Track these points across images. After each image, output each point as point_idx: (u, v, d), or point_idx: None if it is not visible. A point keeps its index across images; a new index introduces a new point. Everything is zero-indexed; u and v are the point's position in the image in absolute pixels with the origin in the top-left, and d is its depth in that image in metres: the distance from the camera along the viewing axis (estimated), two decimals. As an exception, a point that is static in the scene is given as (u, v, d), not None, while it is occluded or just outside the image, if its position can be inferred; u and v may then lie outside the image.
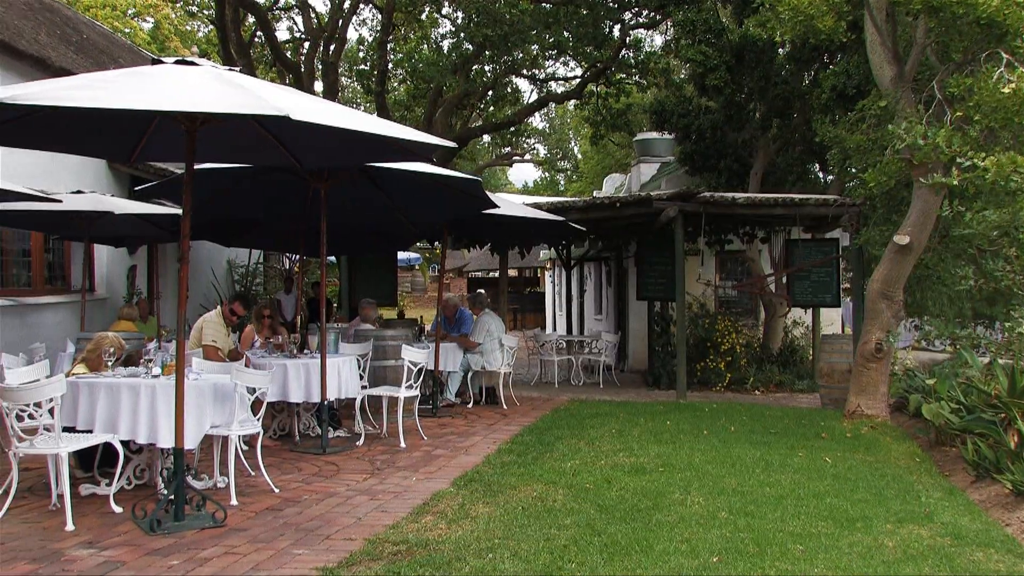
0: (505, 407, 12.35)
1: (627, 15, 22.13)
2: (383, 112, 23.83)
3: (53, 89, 5.44)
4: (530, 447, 9.26)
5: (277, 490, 7.33)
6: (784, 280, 15.43)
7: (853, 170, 14.25)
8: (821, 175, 18.72)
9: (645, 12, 21.79)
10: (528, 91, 33.97)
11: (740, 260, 17.83)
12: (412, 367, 9.78)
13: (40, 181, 11.81)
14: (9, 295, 12.87)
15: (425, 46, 27.19)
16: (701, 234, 14.64)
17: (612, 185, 28.11)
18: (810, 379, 14.78)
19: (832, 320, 18.16)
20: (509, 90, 27.92)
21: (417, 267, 48.15)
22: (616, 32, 22.67)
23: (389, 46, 25.55)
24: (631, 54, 23.44)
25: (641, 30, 24.50)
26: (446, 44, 25.46)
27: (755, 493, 7.29)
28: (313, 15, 25.94)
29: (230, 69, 6.34)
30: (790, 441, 9.75)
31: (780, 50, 16.49)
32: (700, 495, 7.17)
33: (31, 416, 6.44)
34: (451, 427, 10.77)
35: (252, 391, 7.32)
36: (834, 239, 15.27)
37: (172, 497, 6.29)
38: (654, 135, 22.41)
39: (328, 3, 26.24)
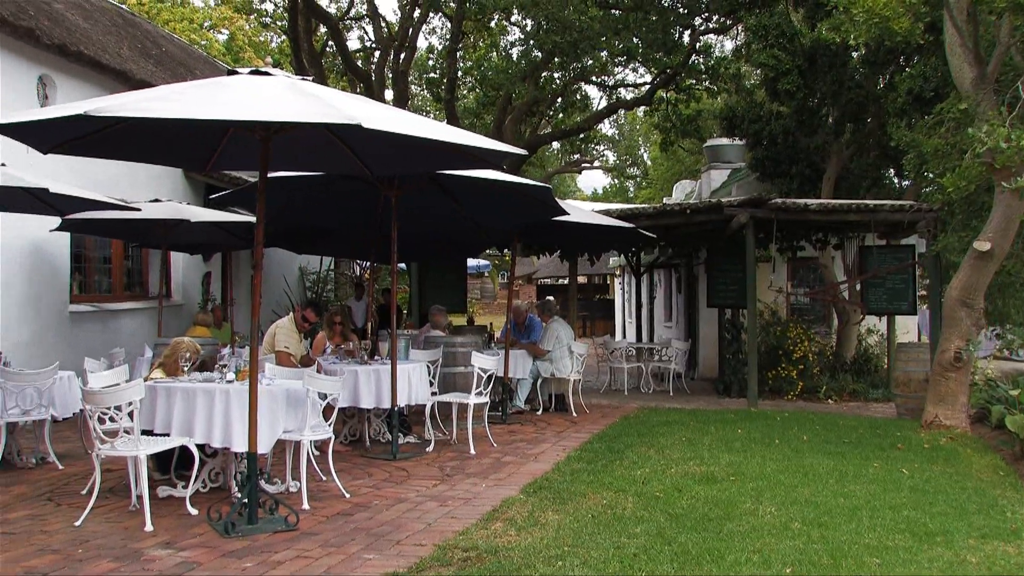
0: (574, 414, 12.33)
1: (697, 20, 21.97)
2: (453, 120, 23.98)
3: (135, 101, 5.58)
4: (600, 455, 9.23)
5: (348, 495, 7.41)
6: (858, 287, 15.15)
7: (930, 175, 13.91)
8: (896, 180, 18.33)
9: (716, 17, 21.62)
10: (597, 98, 33.82)
11: (812, 267, 17.55)
12: (482, 374, 9.81)
13: (120, 190, 12.13)
14: (91, 301, 13.24)
15: (494, 54, 27.29)
16: (772, 240, 14.45)
17: (682, 191, 27.91)
18: (885, 388, 14.47)
19: (908, 328, 17.77)
20: (578, 97, 27.89)
21: (486, 274, 48.27)
22: (686, 38, 22.52)
23: (459, 54, 25.71)
24: (701, 60, 23.26)
25: (711, 35, 24.30)
26: (515, 51, 25.54)
27: (829, 504, 7.15)
28: (383, 24, 26.21)
29: (303, 78, 6.44)
30: (865, 451, 9.56)
31: (854, 53, 16.20)
32: (772, 505, 7.07)
33: (112, 419, 6.62)
34: (520, 434, 10.78)
35: (324, 397, 7.41)
36: (910, 245, 14.96)
37: (246, 500, 6.40)
38: (724, 141, 22.19)
39: (398, 12, 26.49)
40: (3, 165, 8.32)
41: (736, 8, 18.65)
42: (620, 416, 12.26)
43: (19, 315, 11.47)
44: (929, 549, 5.95)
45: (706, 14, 21.57)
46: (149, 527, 6.31)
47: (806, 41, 16.00)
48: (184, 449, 7.04)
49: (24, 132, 6.32)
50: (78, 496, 7.34)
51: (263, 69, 6.37)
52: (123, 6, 21.60)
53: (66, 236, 12.23)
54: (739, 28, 22.06)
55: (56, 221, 10.94)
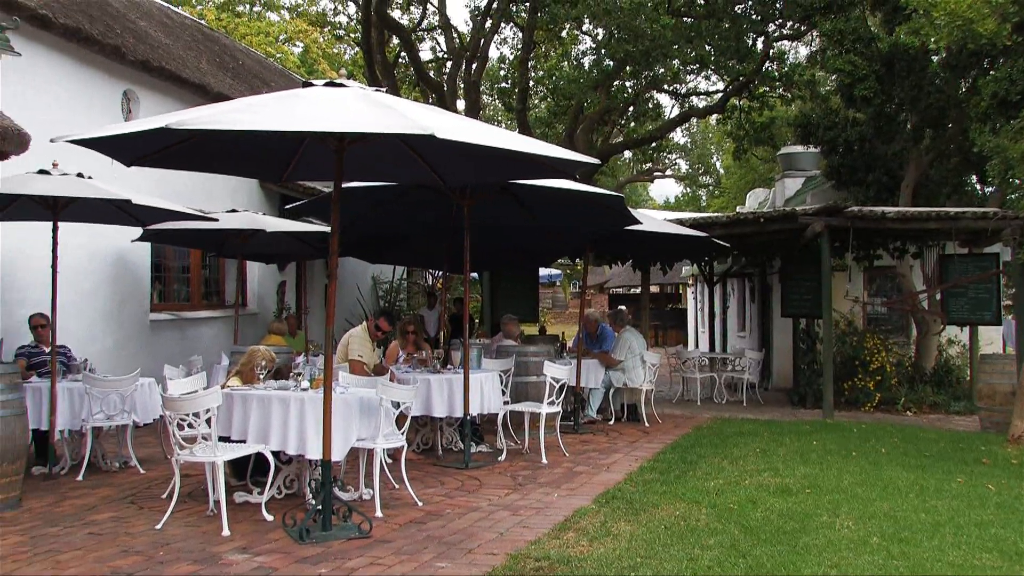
0: (647, 424, 12.25)
1: (771, 27, 21.71)
2: (524, 129, 24.03)
3: (214, 114, 5.71)
4: (672, 465, 9.15)
5: (420, 503, 7.45)
6: (938, 297, 14.80)
7: (1016, 181, 13.57)
8: (978, 187, 17.90)
9: (790, 23, 21.34)
10: (669, 106, 33.61)
11: (890, 276, 17.20)
12: (554, 383, 9.80)
13: (198, 201, 12.39)
14: (170, 310, 13.54)
15: (566, 63, 27.29)
16: (848, 249, 14.20)
17: (755, 200, 27.59)
18: (967, 400, 14.10)
19: (991, 339, 17.30)
20: (650, 106, 27.74)
21: (558, 283, 48.31)
22: (759, 45, 22.27)
23: (530, 64, 25.76)
24: (775, 67, 22.98)
25: (785, 42, 24.02)
26: (587, 61, 25.51)
27: (909, 519, 6.98)
28: (455, 35, 26.40)
29: (376, 89, 6.52)
30: (947, 465, 9.31)
31: (934, 57, 15.86)
32: (850, 519, 6.93)
33: (190, 425, 6.76)
34: (593, 444, 10.75)
35: (397, 405, 7.47)
36: (993, 254, 14.55)
37: (320, 507, 6.48)
38: (799, 149, 21.89)
39: (470, 23, 26.64)
40: (90, 178, 8.55)
41: (811, 13, 18.40)
42: (693, 426, 12.16)
43: (103, 323, 11.79)
44: (1020, 570, 5.76)
45: (780, 20, 21.30)
46: (226, 532, 6.43)
47: (884, 46, 15.73)
48: (260, 456, 7.15)
49: (109, 146, 6.50)
50: (159, 500, 7.51)
51: (338, 81, 6.46)
52: (202, 21, 22.12)
53: (147, 246, 12.53)
54: (814, 34, 21.76)
55: (138, 232, 11.22)
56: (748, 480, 8.36)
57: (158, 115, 6.59)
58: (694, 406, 14.81)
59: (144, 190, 9.81)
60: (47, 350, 9.10)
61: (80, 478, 8.49)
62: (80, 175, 8.53)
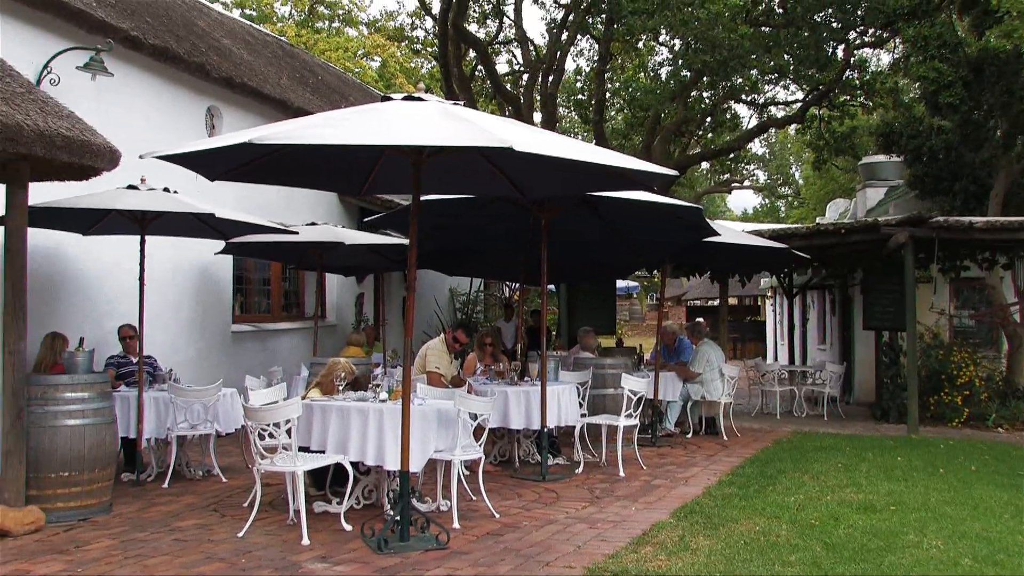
0: (725, 438, 12.10)
1: (852, 35, 21.36)
2: (601, 141, 23.99)
3: (295, 129, 5.80)
4: (752, 479, 9.02)
5: (498, 515, 7.45)
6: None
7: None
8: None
9: (871, 30, 20.97)
10: (747, 116, 33.38)
11: (978, 287, 16.73)
12: (632, 396, 9.73)
13: (279, 214, 12.61)
14: (251, 321, 13.79)
15: (642, 74, 27.20)
16: (934, 260, 13.85)
17: (836, 211, 27.12)
18: (1065, 417, 13.62)
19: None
20: (728, 116, 27.48)
21: (635, 295, 48.06)
22: (840, 53, 21.90)
23: (606, 75, 25.73)
24: (856, 75, 22.56)
25: (867, 49, 23.57)
26: (664, 72, 25.38)
27: (1004, 540, 6.74)
28: (531, 48, 26.49)
29: (454, 103, 6.56)
30: (1043, 484, 9.01)
31: (1027, 61, 15.40)
32: (938, 538, 6.73)
33: (271, 435, 6.86)
34: (670, 457, 10.65)
35: (474, 417, 7.49)
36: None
37: (398, 518, 6.51)
38: (881, 158, 21.46)
39: (546, 36, 26.72)
40: (176, 192, 8.76)
41: (893, 20, 18.05)
42: (772, 440, 11.97)
43: (187, 334, 12.05)
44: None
45: (861, 27, 20.94)
46: (306, 541, 6.50)
47: (972, 51, 15.33)
48: (339, 466, 7.22)
49: (194, 161, 6.66)
50: (240, 508, 7.64)
51: (416, 95, 6.52)
52: (283, 38, 22.54)
53: (229, 259, 12.78)
54: (897, 40, 21.32)
55: (221, 244, 11.45)
56: (830, 496, 8.20)
57: (241, 130, 6.74)
58: (773, 419, 14.58)
59: (227, 204, 10.03)
60: (135, 360, 9.33)
61: (166, 485, 8.69)
62: (166, 190, 8.75)
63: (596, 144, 21.63)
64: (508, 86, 26.88)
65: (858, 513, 7.51)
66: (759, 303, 40.64)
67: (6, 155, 6.74)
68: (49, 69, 9.61)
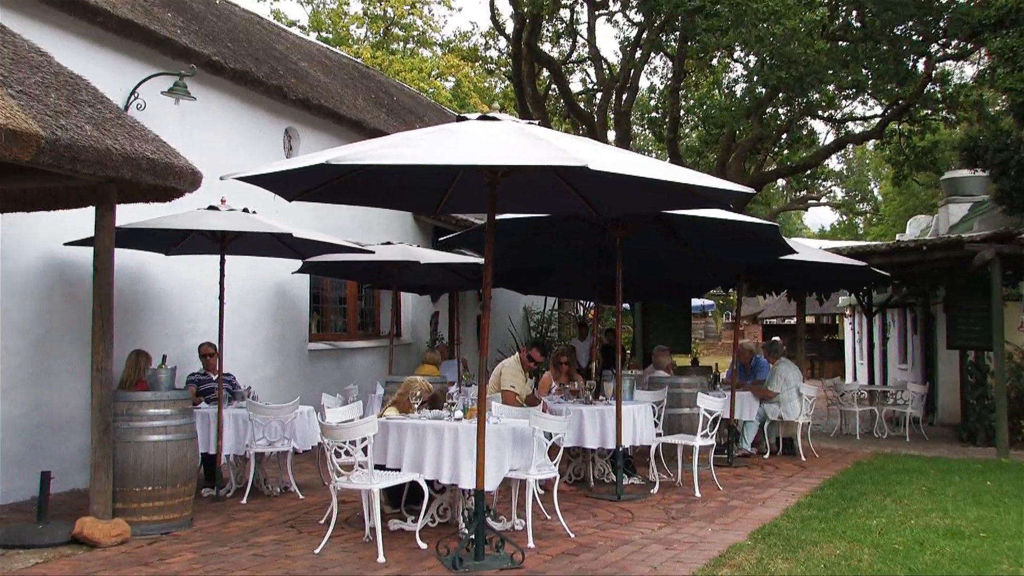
0: (804, 458, 11.87)
1: (934, 47, 20.91)
2: (676, 159, 23.84)
3: (371, 149, 5.87)
4: (831, 501, 8.83)
5: (572, 535, 7.40)
6: None
7: None
8: None
9: (955, 42, 20.51)
10: (824, 132, 32.79)
11: (1070, 306, 16.20)
12: (707, 415, 9.62)
13: (354, 234, 12.78)
14: (327, 339, 13.97)
15: (717, 91, 27.00)
16: (1023, 278, 13.45)
17: (917, 227, 26.51)
18: None
19: None
20: (804, 132, 27.11)
21: (710, 314, 47.58)
22: (920, 66, 21.45)
23: (680, 93, 25.59)
24: (938, 88, 22.09)
25: (950, 62, 23.05)
26: (738, 88, 25.15)
27: (1099, 568, 6.49)
28: (605, 66, 26.48)
29: (529, 122, 6.58)
30: None
31: None
32: (1031, 566, 6.51)
33: (347, 453, 6.92)
34: (747, 477, 10.49)
35: (549, 436, 7.46)
36: None
37: (473, 537, 6.51)
38: (965, 173, 20.90)
39: (620, 54, 26.68)
40: (254, 213, 8.93)
41: (978, 31, 17.61)
42: (853, 462, 11.71)
43: (265, 352, 12.25)
44: None
45: (944, 39, 20.50)
46: (381, 559, 6.53)
47: (1062, 61, 14.90)
48: (414, 484, 7.25)
49: (272, 182, 6.78)
50: (317, 525, 7.71)
51: (491, 114, 6.55)
52: (358, 60, 22.90)
53: (306, 278, 12.98)
54: (982, 52, 20.82)
55: (298, 264, 11.64)
56: (914, 520, 7.98)
57: (318, 151, 6.83)
58: (853, 440, 14.27)
59: (304, 224, 10.18)
60: (215, 377, 9.51)
61: (244, 501, 8.82)
62: (246, 210, 8.93)
63: (670, 162, 21.53)
64: (582, 105, 26.87)
65: (945, 539, 7.30)
66: (837, 322, 39.93)
67: (95, 178, 6.95)
68: (136, 95, 9.91)
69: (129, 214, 8.09)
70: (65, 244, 8.74)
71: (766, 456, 12.16)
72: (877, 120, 24.61)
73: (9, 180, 7.34)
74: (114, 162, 6.75)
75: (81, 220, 8.19)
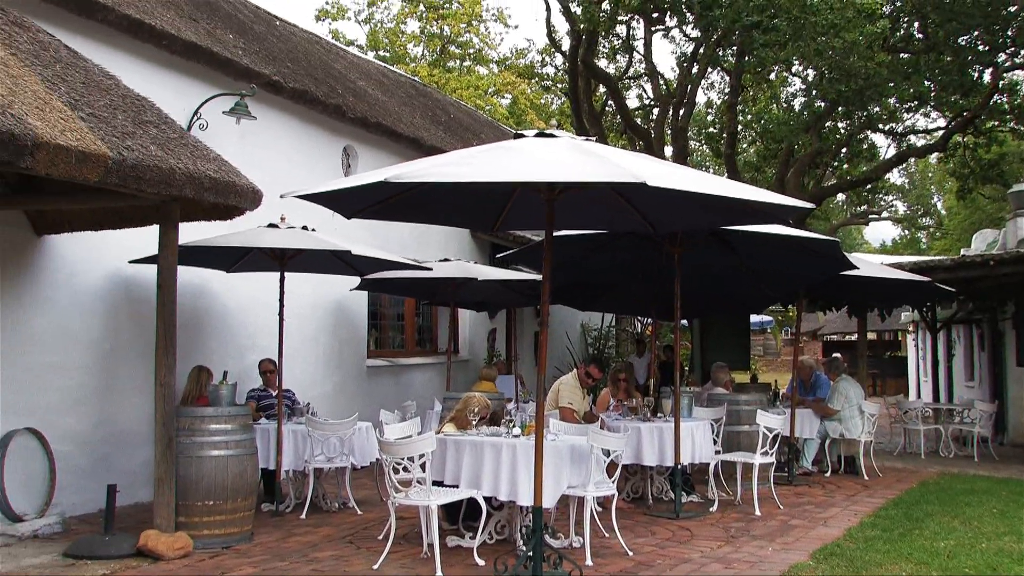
0: (866, 477, 11.65)
1: (1001, 57, 20.53)
2: (733, 174, 23.68)
3: (429, 167, 5.90)
4: (896, 522, 8.65)
5: (631, 553, 7.34)
6: None
7: None
8: None
9: (1022, 52, 20.12)
10: (885, 146, 32.28)
11: None
12: (767, 433, 9.50)
13: (412, 251, 12.86)
14: (385, 356, 14.05)
15: (775, 106, 26.78)
16: (1095, 293, 13.13)
17: (983, 242, 25.95)
18: None
19: None
20: (864, 146, 26.75)
21: (769, 330, 47.03)
22: (986, 77, 21.08)
23: (738, 108, 25.43)
24: (1005, 99, 21.67)
25: (1018, 72, 22.61)
26: (797, 103, 24.93)
27: None
28: (662, 82, 26.41)
29: (586, 139, 6.57)
30: None
31: None
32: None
33: (405, 469, 6.94)
34: (808, 496, 10.32)
35: (607, 453, 7.42)
36: None
37: (531, 554, 6.47)
38: (1034, 185, 20.50)
39: (676, 70, 26.60)
40: (313, 230, 9.03)
41: (1048, 38, 17.29)
42: (917, 481, 11.47)
43: (325, 368, 12.36)
44: None
45: (1011, 49, 20.12)
46: (439, 575, 6.53)
47: None
48: (472, 500, 7.26)
49: (331, 200, 6.83)
50: (375, 540, 7.73)
51: (548, 131, 6.56)
52: (415, 78, 23.10)
53: (364, 295, 13.07)
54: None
55: (356, 281, 11.73)
56: (985, 544, 7.78)
57: (376, 169, 6.90)
58: (917, 459, 13.97)
59: (362, 241, 10.26)
60: (274, 393, 9.61)
61: (303, 516, 8.88)
62: (305, 228, 9.03)
63: (728, 177, 21.38)
64: (638, 120, 26.84)
65: (1019, 564, 7.09)
66: (899, 338, 39.23)
67: (160, 197, 7.08)
68: (199, 115, 10.09)
69: (191, 232, 8.23)
70: (130, 262, 8.90)
71: (827, 474, 11.97)
72: (941, 132, 24.22)
73: (78, 200, 7.54)
74: (178, 181, 6.87)
75: (145, 239, 8.36)
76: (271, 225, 8.91)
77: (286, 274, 9.34)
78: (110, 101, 7.14)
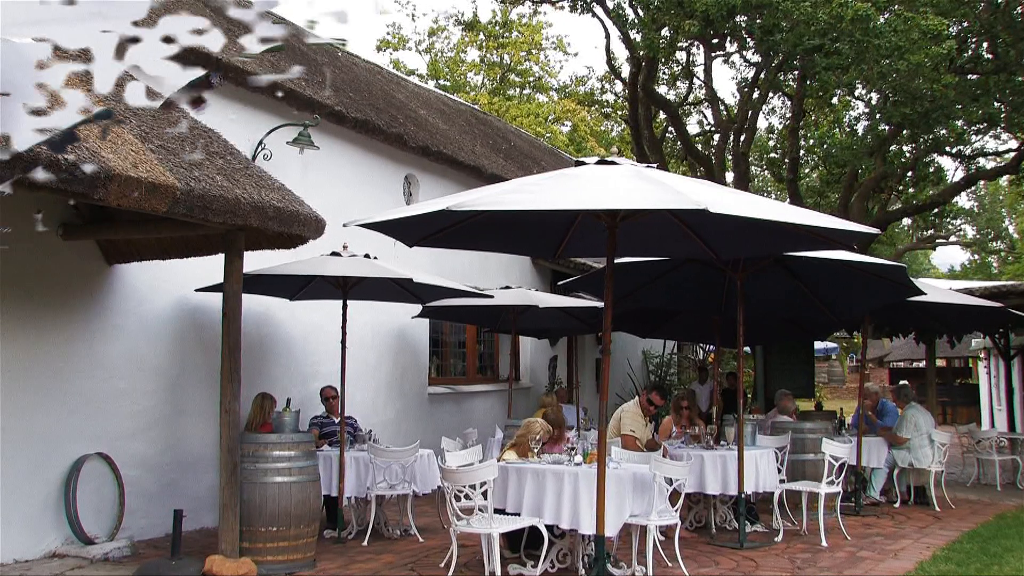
0: (938, 509, 11.36)
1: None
2: (796, 199, 23.42)
3: (490, 195, 5.94)
4: (972, 556, 8.41)
5: (695, 583, 7.24)
6: None
7: None
8: None
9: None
10: (952, 169, 31.74)
11: None
12: (833, 462, 9.33)
13: (473, 278, 12.90)
14: (447, 383, 14.08)
15: (837, 130, 26.47)
16: None
17: (1057, 266, 25.36)
18: None
19: None
20: (931, 170, 26.29)
21: (834, 357, 46.26)
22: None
23: (800, 132, 25.19)
24: (1081, 118, 21.15)
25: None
26: (860, 126, 24.61)
27: None
28: (722, 108, 26.28)
29: (647, 166, 6.56)
30: None
31: None
32: None
33: (467, 497, 6.93)
34: (876, 527, 10.09)
35: (670, 482, 7.35)
36: None
37: (594, 583, 6.43)
38: (1108, 208, 19.98)
39: (737, 95, 26.47)
40: (375, 258, 9.11)
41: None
42: (993, 514, 11.15)
43: (386, 395, 12.42)
44: None
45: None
46: (500, 603, 6.51)
47: None
48: (533, 529, 7.22)
49: (393, 228, 6.91)
50: (437, 568, 7.73)
51: (609, 158, 6.56)
52: (476, 106, 23.26)
53: (426, 322, 13.14)
54: None
55: (418, 308, 11.79)
56: (1062, 577, 7.54)
57: (437, 198, 6.95)
58: (993, 491, 13.58)
59: (422, 268, 10.34)
60: (337, 420, 9.68)
61: (365, 543, 8.90)
62: (367, 256, 9.11)
63: (791, 203, 21.15)
64: (699, 146, 26.72)
65: (1095, 596, 6.88)
66: (970, 365, 38.34)
67: (225, 226, 7.20)
68: (263, 145, 10.26)
69: (256, 261, 8.35)
70: (196, 290, 9.06)
71: (896, 505, 11.70)
72: (1012, 154, 23.70)
73: (147, 229, 7.69)
74: (243, 211, 6.99)
75: (210, 267, 8.50)
76: (334, 253, 9.01)
77: (348, 302, 9.42)
78: (178, 133, 7.30)
